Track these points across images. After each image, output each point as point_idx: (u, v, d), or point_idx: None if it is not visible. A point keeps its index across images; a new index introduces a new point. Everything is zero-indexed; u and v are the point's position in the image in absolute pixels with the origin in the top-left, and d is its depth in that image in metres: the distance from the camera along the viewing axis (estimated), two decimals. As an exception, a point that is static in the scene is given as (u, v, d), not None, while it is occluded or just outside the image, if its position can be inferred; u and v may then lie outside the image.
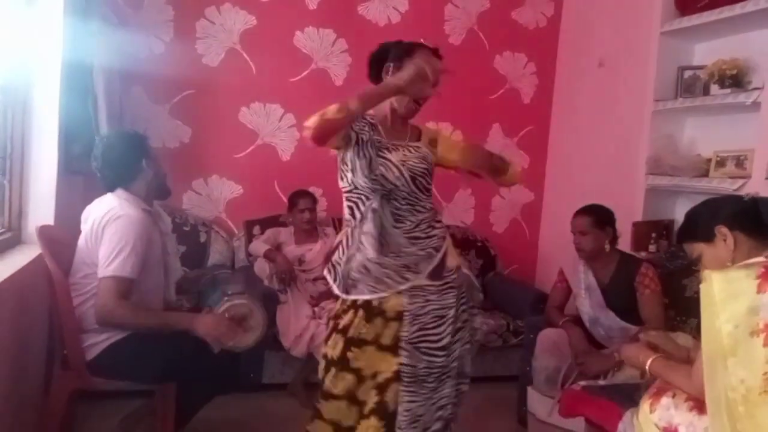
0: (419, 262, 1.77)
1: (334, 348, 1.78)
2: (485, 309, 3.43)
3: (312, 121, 1.58)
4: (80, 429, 2.38)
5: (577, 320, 2.55)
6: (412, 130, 1.89)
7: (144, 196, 2.06)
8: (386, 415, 1.74)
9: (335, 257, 1.82)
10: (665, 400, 1.53)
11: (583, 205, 2.54)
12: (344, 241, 1.80)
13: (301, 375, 2.92)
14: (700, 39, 2.93)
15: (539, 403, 2.44)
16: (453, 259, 1.85)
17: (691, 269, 2.43)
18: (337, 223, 3.28)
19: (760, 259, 1.38)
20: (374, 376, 1.75)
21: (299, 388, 2.89)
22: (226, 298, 2.05)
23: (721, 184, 2.54)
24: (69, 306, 1.91)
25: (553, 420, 2.30)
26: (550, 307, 2.69)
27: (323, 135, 1.61)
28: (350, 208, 1.80)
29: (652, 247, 2.90)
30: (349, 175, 1.75)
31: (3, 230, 2.23)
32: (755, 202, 1.50)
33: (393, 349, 1.75)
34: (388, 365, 1.75)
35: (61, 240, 2.06)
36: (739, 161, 2.55)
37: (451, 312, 1.81)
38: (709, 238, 1.49)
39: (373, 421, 1.73)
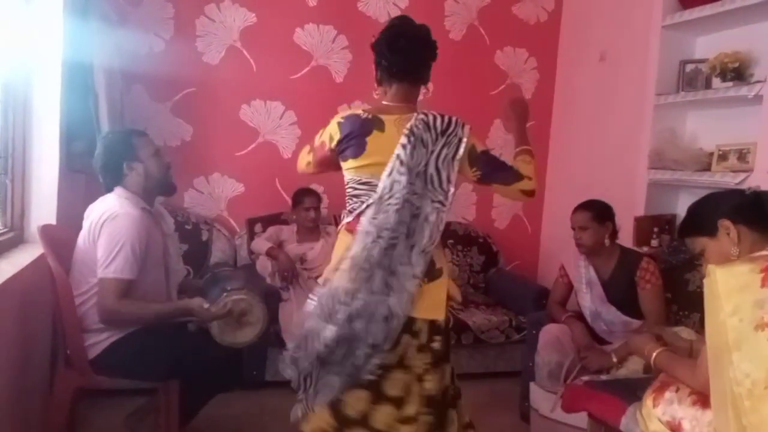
0: None
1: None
2: (488, 305, 3.44)
3: None
4: (85, 426, 2.38)
5: (579, 315, 2.55)
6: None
7: (142, 194, 2.04)
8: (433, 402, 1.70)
9: None
10: (669, 395, 1.53)
11: (582, 201, 2.55)
12: None
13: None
14: (702, 32, 2.92)
15: (542, 399, 2.44)
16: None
17: (694, 264, 2.43)
18: (339, 222, 3.27)
19: (764, 252, 1.37)
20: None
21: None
22: (225, 293, 2.03)
23: (724, 178, 2.53)
24: (71, 305, 1.91)
25: (556, 415, 2.30)
26: (551, 302, 2.69)
27: None
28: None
29: (654, 242, 2.89)
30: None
31: (5, 230, 2.23)
32: (758, 195, 1.50)
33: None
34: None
35: (63, 239, 2.06)
36: (742, 155, 2.54)
37: None
38: (712, 232, 1.49)
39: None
